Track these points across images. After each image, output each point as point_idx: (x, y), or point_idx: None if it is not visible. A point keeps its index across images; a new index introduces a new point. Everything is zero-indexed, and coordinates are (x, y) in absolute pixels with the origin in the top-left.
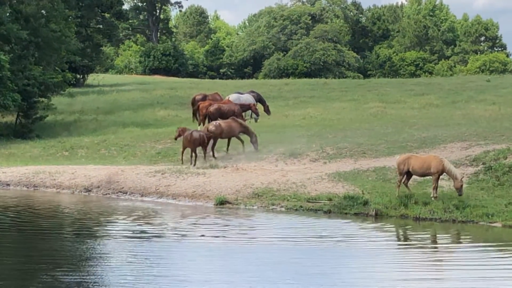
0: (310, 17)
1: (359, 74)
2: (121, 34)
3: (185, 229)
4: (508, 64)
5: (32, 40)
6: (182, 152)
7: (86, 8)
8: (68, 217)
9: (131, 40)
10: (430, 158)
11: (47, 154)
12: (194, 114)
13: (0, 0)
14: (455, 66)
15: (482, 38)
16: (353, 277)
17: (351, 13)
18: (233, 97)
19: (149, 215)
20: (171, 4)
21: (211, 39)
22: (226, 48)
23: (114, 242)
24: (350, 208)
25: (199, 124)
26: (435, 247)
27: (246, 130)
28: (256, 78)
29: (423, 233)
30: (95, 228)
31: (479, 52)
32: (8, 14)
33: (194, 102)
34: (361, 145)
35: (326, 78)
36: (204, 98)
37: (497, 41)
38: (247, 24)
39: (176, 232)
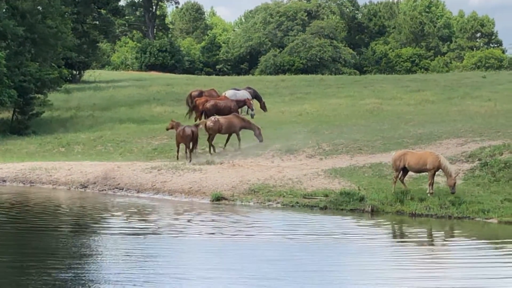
0: (306, 14)
1: (355, 71)
2: (117, 30)
3: (181, 226)
4: (504, 61)
5: (29, 36)
6: (177, 149)
7: (82, 4)
8: (64, 214)
9: (127, 37)
10: (426, 154)
11: (43, 150)
12: (191, 110)
13: None
14: (451, 63)
15: (478, 35)
16: (349, 275)
17: (347, 10)
18: (229, 93)
19: (145, 211)
20: (168, 0)
21: (208, 35)
22: (223, 44)
23: (110, 239)
24: (346, 204)
25: (195, 120)
26: (432, 244)
27: (248, 125)
28: (253, 74)
29: (419, 229)
30: (91, 225)
31: (475, 49)
32: (4, 10)
33: (190, 98)
34: (357, 141)
35: (322, 74)
36: (201, 94)
37: (493, 37)
38: (244, 20)
39: (172, 228)
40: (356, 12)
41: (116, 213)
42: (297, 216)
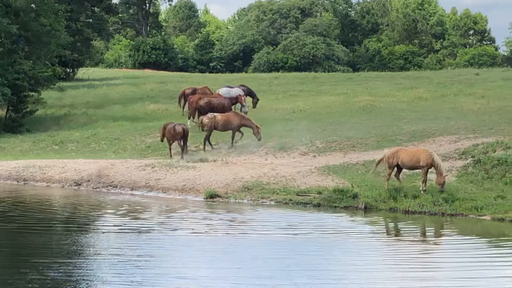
0: (299, 11)
1: (349, 68)
2: (111, 28)
3: (174, 223)
4: (497, 58)
5: (22, 34)
6: (170, 147)
7: (76, 2)
8: (57, 211)
9: (121, 34)
10: (419, 151)
11: (37, 148)
12: (182, 107)
13: None
14: (444, 60)
15: (471, 32)
16: (342, 273)
17: (340, 7)
18: (223, 91)
19: (139, 209)
20: None
21: (201, 33)
22: (216, 42)
23: (103, 237)
24: (340, 201)
25: (189, 118)
26: (424, 241)
27: (248, 123)
28: (246, 72)
29: (412, 226)
30: (84, 223)
31: (468, 46)
32: None
33: (184, 96)
34: (351, 138)
35: (316, 72)
36: (194, 92)
37: (486, 34)
38: (237, 18)
39: (165, 226)
40: (349, 9)
41: (109, 211)
42: (291, 214)
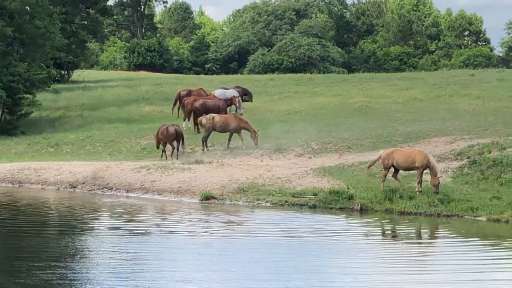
0: (294, 13)
1: (344, 69)
2: (105, 30)
3: (170, 225)
4: (492, 59)
5: (17, 36)
6: (164, 149)
7: (70, 4)
8: (52, 214)
9: (115, 36)
10: (415, 152)
11: (32, 150)
12: (178, 108)
13: None
14: (439, 61)
15: (466, 33)
16: (339, 275)
17: (336, 8)
18: (218, 92)
19: (134, 211)
20: (156, 0)
21: (196, 34)
22: (211, 43)
23: (98, 239)
24: (335, 203)
25: (184, 120)
26: (420, 242)
27: (246, 126)
28: (241, 73)
29: (408, 227)
30: (79, 225)
31: (463, 47)
32: None
33: (179, 98)
34: (346, 140)
35: (311, 73)
36: (189, 93)
37: (481, 35)
38: (232, 19)
39: (161, 228)
40: (345, 11)
41: (104, 213)
42: (287, 215)
